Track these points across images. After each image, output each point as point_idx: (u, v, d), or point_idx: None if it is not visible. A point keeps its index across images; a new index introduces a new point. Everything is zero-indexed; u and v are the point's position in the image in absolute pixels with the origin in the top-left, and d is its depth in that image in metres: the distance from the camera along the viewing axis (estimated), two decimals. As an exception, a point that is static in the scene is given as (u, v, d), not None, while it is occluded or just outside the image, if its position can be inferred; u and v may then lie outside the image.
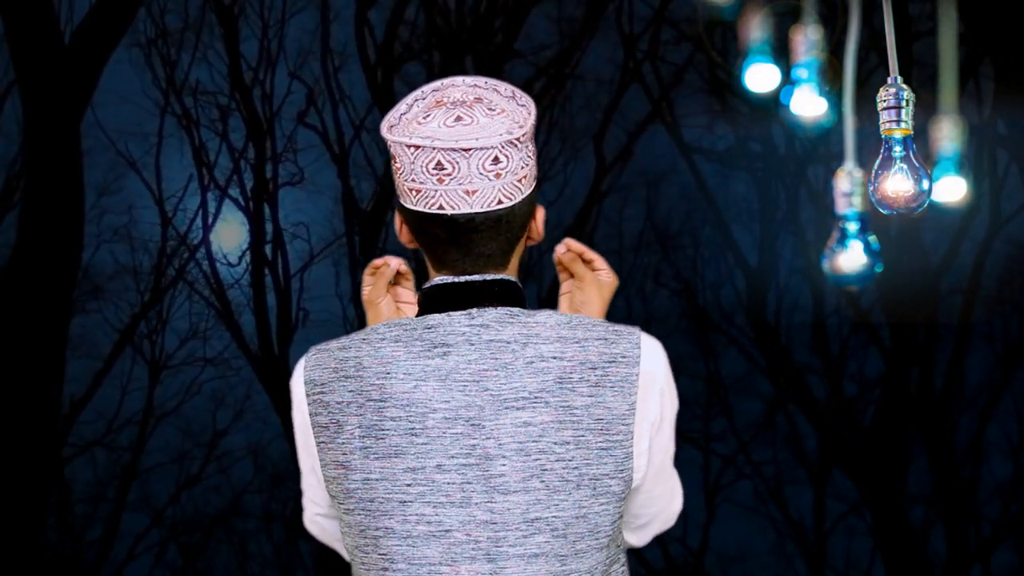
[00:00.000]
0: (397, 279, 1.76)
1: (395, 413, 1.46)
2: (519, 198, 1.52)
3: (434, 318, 1.50)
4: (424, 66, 10.75)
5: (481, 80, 1.58)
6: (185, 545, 11.58)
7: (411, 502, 1.45)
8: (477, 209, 1.50)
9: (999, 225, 10.32)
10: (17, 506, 6.78)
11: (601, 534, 1.47)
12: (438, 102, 1.54)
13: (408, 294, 1.78)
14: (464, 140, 1.48)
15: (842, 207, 1.85)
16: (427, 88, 1.58)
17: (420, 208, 1.52)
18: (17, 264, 7.09)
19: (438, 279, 1.54)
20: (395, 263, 1.75)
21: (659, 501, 1.60)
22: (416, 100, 1.56)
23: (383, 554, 1.46)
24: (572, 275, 1.74)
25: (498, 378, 1.45)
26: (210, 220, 11.25)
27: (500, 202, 1.50)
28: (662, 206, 12.05)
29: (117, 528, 10.97)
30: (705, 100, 11.34)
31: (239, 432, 11.36)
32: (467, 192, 1.49)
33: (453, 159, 1.48)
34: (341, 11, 10.90)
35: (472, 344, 1.47)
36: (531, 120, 1.53)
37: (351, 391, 1.48)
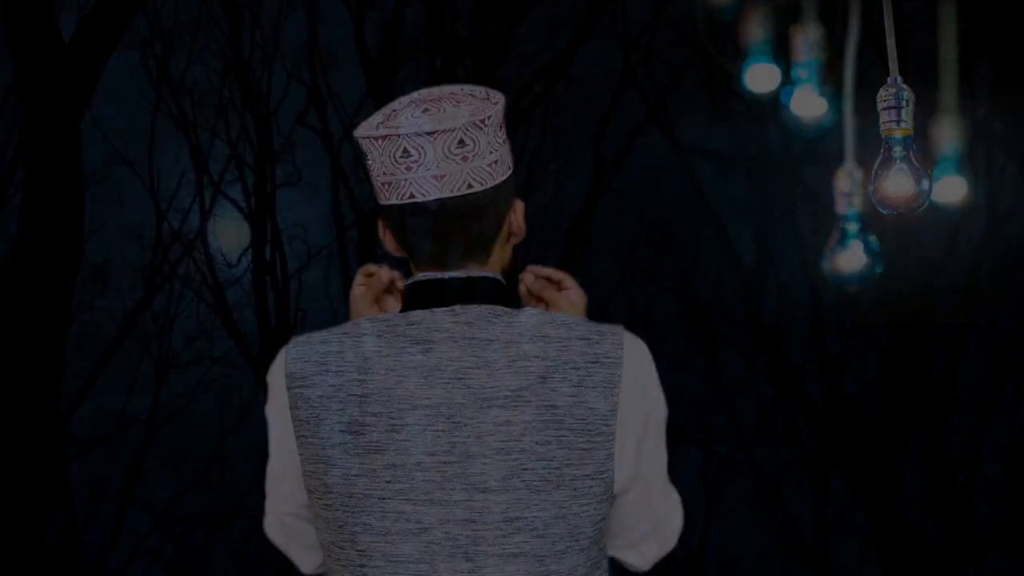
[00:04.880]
0: (390, 288, 1.74)
1: (376, 408, 1.44)
2: (490, 183, 1.51)
3: (417, 314, 1.49)
4: (424, 68, 10.76)
5: (459, 87, 1.58)
6: (187, 546, 11.56)
7: (390, 498, 1.43)
8: (447, 194, 1.49)
9: (996, 224, 10.33)
10: (18, 505, 6.78)
11: (582, 536, 1.46)
12: (411, 102, 1.55)
13: (397, 307, 1.76)
14: (427, 125, 1.48)
15: (842, 207, 1.85)
16: (405, 98, 1.58)
17: (393, 200, 1.51)
18: (17, 263, 7.09)
19: (420, 275, 1.53)
20: (388, 274, 1.73)
21: (654, 515, 1.57)
22: (392, 110, 1.56)
23: (360, 550, 1.45)
24: (544, 303, 1.72)
25: (480, 376, 1.44)
26: (209, 220, 11.26)
27: (470, 186, 1.49)
28: (660, 206, 12.06)
29: (120, 528, 10.96)
30: (702, 100, 11.34)
31: (245, 432, 11.32)
32: (436, 177, 1.48)
33: (418, 144, 1.48)
34: (340, 11, 10.89)
35: (455, 341, 1.46)
36: (497, 108, 1.52)
37: (332, 385, 1.46)
